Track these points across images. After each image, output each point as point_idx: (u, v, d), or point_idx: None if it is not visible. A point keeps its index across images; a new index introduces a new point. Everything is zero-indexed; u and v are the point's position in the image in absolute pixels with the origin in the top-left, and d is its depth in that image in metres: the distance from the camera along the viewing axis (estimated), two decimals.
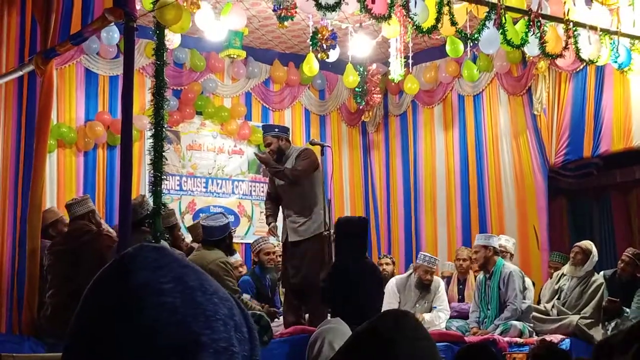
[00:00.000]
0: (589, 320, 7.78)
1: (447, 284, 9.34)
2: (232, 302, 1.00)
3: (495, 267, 7.91)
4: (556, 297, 8.15)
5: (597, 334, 7.76)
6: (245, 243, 10.45)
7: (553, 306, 8.09)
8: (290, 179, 7.16)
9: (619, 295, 8.15)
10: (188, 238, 8.36)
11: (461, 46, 8.57)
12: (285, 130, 7.60)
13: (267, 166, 7.44)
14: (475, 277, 9.03)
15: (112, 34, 9.04)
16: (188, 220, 10.15)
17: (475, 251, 8.09)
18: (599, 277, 8.09)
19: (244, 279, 8.31)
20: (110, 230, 7.16)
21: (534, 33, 7.85)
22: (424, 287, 8.60)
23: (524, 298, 7.87)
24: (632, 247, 8.58)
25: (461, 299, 9.11)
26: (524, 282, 7.94)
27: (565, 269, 8.26)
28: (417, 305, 8.46)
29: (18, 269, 7.02)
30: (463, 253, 9.29)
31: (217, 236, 6.77)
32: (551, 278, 8.71)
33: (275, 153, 7.25)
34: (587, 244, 8.23)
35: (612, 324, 7.97)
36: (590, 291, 7.94)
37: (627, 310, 8.02)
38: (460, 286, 9.21)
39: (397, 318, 1.56)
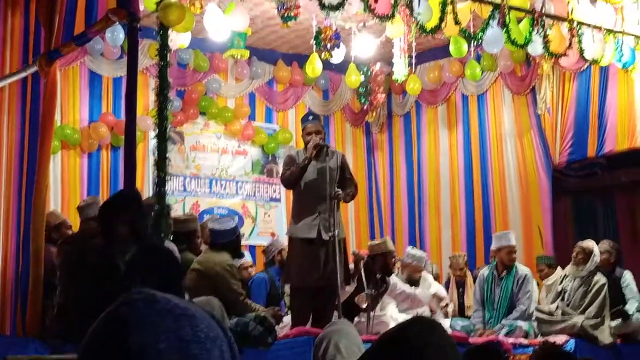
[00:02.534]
0: (593, 321, 7.75)
1: (447, 286, 9.34)
2: (221, 338, 1.05)
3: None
4: (560, 298, 8.13)
5: (602, 334, 7.74)
6: (249, 245, 10.43)
7: (557, 307, 8.06)
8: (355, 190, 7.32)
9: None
10: None
11: (465, 46, 8.56)
12: None
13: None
14: (475, 278, 9.02)
15: (117, 34, 9.04)
16: None
17: (513, 251, 8.01)
18: (601, 277, 8.05)
19: (259, 275, 8.31)
20: None
21: (537, 32, 7.85)
22: (412, 283, 8.64)
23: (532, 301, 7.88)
24: (606, 240, 8.55)
25: (461, 303, 9.14)
26: (533, 285, 7.99)
27: (568, 269, 8.23)
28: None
29: (22, 271, 7.02)
30: (459, 262, 9.27)
31: (224, 239, 6.73)
32: (540, 282, 8.75)
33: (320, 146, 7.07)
34: (589, 243, 8.18)
35: (614, 323, 7.96)
36: (593, 291, 7.91)
37: (627, 307, 8.00)
38: (460, 289, 9.22)
39: (426, 326, 1.62)
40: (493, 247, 8.13)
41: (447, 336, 1.63)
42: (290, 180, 7.09)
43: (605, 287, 7.94)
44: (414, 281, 8.64)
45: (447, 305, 8.66)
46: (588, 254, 7.99)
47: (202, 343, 1.01)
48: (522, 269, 7.97)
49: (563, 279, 8.21)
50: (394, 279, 8.10)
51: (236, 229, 6.92)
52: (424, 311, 8.24)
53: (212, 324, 1.06)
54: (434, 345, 1.57)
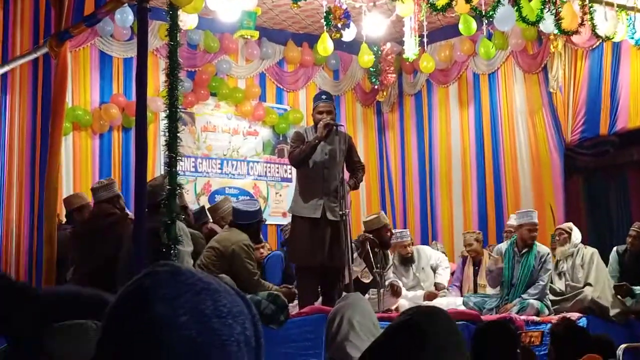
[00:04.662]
0: (599, 291, 7.86)
1: (463, 264, 9.36)
2: (244, 315, 1.05)
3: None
4: (564, 280, 8.21)
5: (611, 304, 7.81)
6: None
7: (565, 286, 8.14)
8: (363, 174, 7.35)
9: (631, 269, 8.19)
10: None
11: (474, 24, 8.51)
12: None
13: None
14: (490, 256, 9.04)
15: (126, 16, 9.04)
16: (204, 202, 10.18)
17: (535, 229, 8.06)
18: (589, 248, 8.23)
19: (275, 253, 8.30)
20: (129, 213, 7.18)
21: (549, 9, 7.79)
22: (406, 260, 8.71)
23: None
24: (639, 222, 8.59)
25: (475, 281, 9.17)
26: (552, 265, 8.10)
27: (558, 254, 8.29)
28: (404, 279, 8.56)
29: (36, 252, 7.06)
30: (471, 239, 9.28)
31: (245, 220, 6.72)
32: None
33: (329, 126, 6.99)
34: (568, 224, 8.51)
35: (626, 300, 7.99)
36: (587, 261, 8.08)
37: (638, 287, 8.01)
38: (476, 267, 9.21)
39: (431, 313, 1.70)
40: (515, 223, 8.12)
41: (452, 324, 1.69)
42: (300, 159, 7.03)
43: (596, 255, 8.08)
44: (406, 259, 8.71)
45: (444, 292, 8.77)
46: (568, 231, 8.17)
47: (224, 318, 1.02)
48: (543, 248, 8.00)
49: (557, 264, 8.27)
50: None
51: (258, 213, 6.89)
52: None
53: (237, 300, 1.06)
54: (437, 331, 1.64)
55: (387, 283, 7.93)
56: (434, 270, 8.91)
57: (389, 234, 8.28)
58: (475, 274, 9.20)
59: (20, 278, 7.11)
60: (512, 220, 9.19)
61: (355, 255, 7.64)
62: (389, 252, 8.45)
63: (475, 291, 8.90)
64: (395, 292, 7.97)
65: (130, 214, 7.01)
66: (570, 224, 8.42)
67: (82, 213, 7.28)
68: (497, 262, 7.93)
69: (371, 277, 7.76)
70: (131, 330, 1.00)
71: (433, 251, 9.23)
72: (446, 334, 1.65)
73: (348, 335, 2.51)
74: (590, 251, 8.14)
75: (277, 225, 10.69)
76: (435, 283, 8.80)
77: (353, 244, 7.64)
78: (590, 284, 7.93)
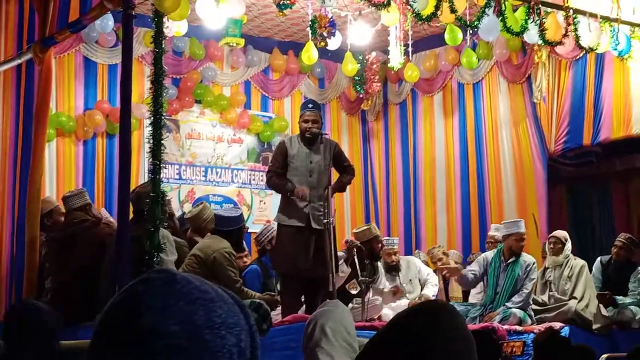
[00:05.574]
0: (584, 303, 7.86)
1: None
2: (240, 325, 1.03)
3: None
4: (548, 290, 8.21)
5: (594, 317, 7.82)
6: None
7: (549, 297, 8.15)
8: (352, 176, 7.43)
9: (614, 280, 8.22)
10: None
11: (460, 34, 8.55)
12: None
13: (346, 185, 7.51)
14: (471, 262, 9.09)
15: (106, 21, 8.98)
16: (188, 209, 10.14)
17: (522, 239, 8.05)
18: (579, 260, 8.19)
19: (252, 267, 8.23)
20: (112, 220, 7.16)
21: (533, 20, 7.85)
22: (391, 269, 8.69)
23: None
24: (624, 233, 8.62)
25: (446, 294, 9.19)
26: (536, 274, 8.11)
27: (548, 261, 8.30)
28: (390, 285, 8.57)
29: (17, 257, 7.03)
30: (439, 253, 9.30)
31: (227, 227, 6.73)
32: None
33: (314, 134, 7.06)
34: (562, 232, 8.40)
35: (609, 313, 8.01)
36: (575, 273, 8.05)
37: (620, 297, 8.05)
38: (446, 281, 9.24)
39: (433, 314, 1.45)
40: (497, 233, 8.13)
41: (458, 324, 1.46)
42: (273, 188, 7.43)
43: (586, 268, 8.06)
44: (391, 267, 8.69)
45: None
46: (564, 242, 8.14)
47: (216, 329, 1.00)
48: (529, 257, 8.02)
49: (544, 271, 8.27)
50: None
51: (240, 220, 6.90)
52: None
53: (234, 310, 1.04)
54: (440, 336, 1.41)
55: (389, 288, 7.95)
56: (422, 285, 8.88)
57: (379, 245, 8.26)
58: (446, 286, 9.23)
59: (0, 282, 7.08)
60: (493, 231, 9.22)
61: (341, 261, 7.66)
62: (378, 263, 8.45)
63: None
64: (395, 295, 8.01)
65: (113, 220, 7.00)
66: (566, 234, 8.32)
67: (52, 217, 7.28)
68: (455, 271, 8.12)
69: (359, 289, 7.75)
70: (119, 338, 0.98)
71: (424, 266, 9.17)
72: (449, 339, 1.42)
73: (320, 342, 2.48)
74: (580, 263, 8.07)
75: None
76: (421, 294, 8.78)
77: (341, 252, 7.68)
78: (575, 298, 7.92)
